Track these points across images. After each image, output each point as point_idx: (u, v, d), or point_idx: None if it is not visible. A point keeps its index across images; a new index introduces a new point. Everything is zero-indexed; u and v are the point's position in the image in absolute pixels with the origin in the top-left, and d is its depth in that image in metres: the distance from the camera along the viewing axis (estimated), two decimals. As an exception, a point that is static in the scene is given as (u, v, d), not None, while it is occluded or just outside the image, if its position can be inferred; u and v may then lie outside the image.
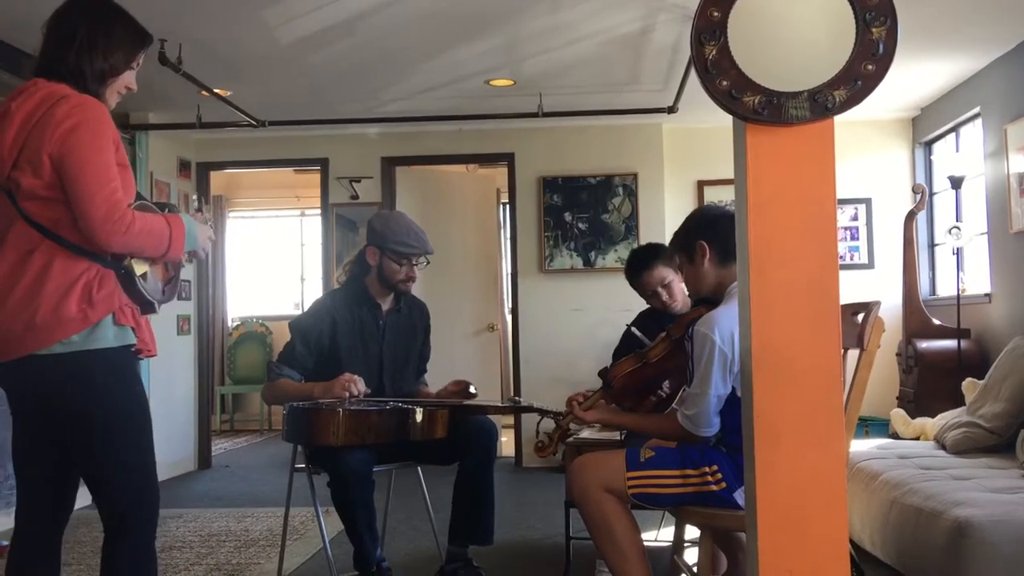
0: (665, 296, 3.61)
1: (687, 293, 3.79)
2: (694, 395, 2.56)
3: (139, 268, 2.22)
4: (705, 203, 6.51)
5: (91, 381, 2.15)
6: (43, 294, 2.09)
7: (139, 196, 2.27)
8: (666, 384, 3.05)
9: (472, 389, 3.36)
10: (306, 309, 3.55)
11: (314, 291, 9.39)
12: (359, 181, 6.78)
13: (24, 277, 2.10)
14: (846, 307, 2.22)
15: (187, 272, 6.62)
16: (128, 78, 2.31)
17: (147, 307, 2.27)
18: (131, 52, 2.29)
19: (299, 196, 9.36)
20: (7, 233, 2.15)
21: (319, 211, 7.07)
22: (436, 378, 3.67)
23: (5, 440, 4.49)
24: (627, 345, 3.66)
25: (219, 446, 7.73)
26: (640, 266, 3.63)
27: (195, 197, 6.67)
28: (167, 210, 2.33)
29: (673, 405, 3.13)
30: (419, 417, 3.03)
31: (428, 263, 3.48)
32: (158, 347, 2.34)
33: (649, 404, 3.03)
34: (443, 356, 3.68)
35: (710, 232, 2.65)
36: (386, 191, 6.80)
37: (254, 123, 5.92)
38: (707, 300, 2.74)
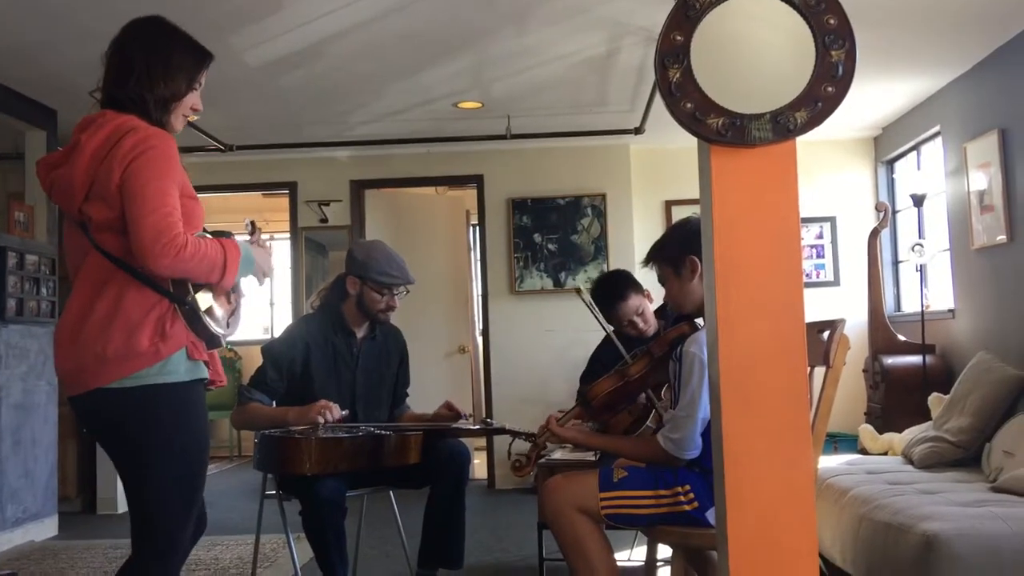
0: (641, 324, 3.65)
1: (657, 310, 3.84)
2: (680, 418, 2.50)
3: (204, 302, 2.16)
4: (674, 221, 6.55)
5: (158, 414, 2.11)
6: (115, 326, 2.06)
7: (204, 230, 2.24)
8: (641, 398, 3.07)
9: (464, 417, 3.33)
10: (279, 334, 3.52)
11: (284, 316, 9.32)
12: (328, 205, 6.77)
13: (97, 309, 2.08)
14: (811, 325, 2.25)
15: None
16: (192, 99, 2.27)
17: (212, 342, 2.22)
18: (192, 74, 2.25)
19: (268, 220, 9.30)
20: (82, 265, 2.14)
21: (288, 235, 7.04)
22: (408, 401, 3.66)
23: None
24: (603, 354, 3.68)
25: (188, 473, 7.62)
26: (616, 298, 3.64)
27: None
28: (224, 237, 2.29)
29: (648, 423, 3.15)
30: (392, 443, 3.02)
31: (408, 292, 3.47)
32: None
33: (624, 419, 3.03)
34: (414, 379, 3.67)
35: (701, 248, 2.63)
36: (355, 214, 6.79)
37: (222, 147, 5.91)
38: (686, 317, 2.74)
